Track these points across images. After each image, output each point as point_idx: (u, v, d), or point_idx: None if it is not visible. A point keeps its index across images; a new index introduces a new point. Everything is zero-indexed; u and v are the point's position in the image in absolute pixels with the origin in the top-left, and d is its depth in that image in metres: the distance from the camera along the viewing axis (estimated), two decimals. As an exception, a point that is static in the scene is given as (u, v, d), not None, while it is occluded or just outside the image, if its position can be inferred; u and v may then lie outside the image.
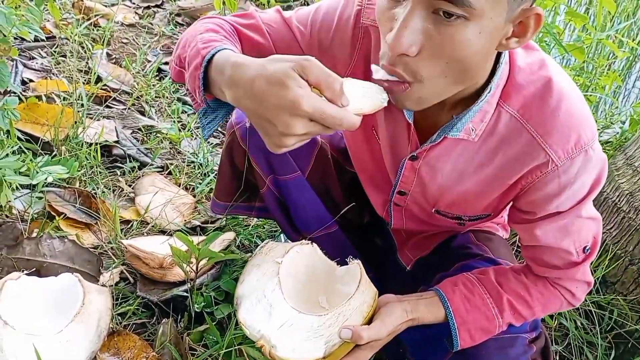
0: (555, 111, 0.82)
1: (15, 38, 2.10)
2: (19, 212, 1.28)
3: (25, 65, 1.88)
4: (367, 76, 0.92)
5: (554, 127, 0.82)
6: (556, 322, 1.36)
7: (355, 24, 0.91)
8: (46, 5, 2.29)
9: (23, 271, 1.14)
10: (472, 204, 0.96)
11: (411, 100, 0.77)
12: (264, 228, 1.46)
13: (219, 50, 0.77)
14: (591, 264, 1.00)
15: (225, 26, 0.92)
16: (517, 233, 0.97)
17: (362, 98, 0.73)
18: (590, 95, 1.77)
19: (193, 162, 1.65)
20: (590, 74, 1.94)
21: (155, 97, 2.00)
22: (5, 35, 1.18)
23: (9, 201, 1.27)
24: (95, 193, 1.40)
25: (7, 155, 1.28)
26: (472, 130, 0.85)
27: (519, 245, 1.11)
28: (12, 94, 1.69)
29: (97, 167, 1.48)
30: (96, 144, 1.52)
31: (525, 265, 1.00)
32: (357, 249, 1.27)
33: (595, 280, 1.38)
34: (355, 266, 0.95)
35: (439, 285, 0.97)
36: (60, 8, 2.44)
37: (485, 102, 0.82)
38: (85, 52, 2.15)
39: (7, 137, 1.36)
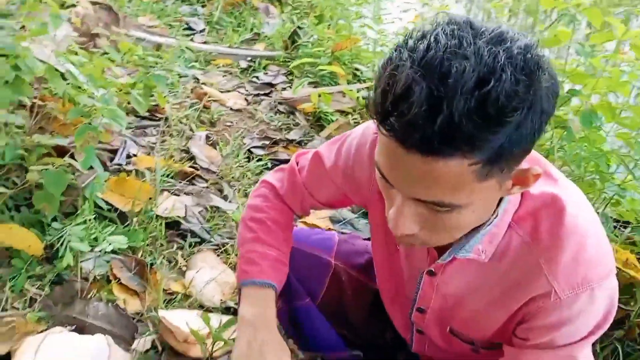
0: (564, 243, 0.80)
1: (136, 116, 2.47)
2: (82, 272, 1.47)
3: (134, 142, 2.19)
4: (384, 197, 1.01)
5: (560, 258, 0.80)
6: None
7: (371, 150, 0.97)
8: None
9: (66, 327, 1.30)
10: (482, 326, 0.95)
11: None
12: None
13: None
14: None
15: (269, 219, 1.11)
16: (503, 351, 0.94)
17: None
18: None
19: (249, 244, 1.76)
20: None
21: (238, 177, 2.19)
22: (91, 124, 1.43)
23: (82, 260, 1.48)
24: (153, 263, 1.56)
25: (84, 222, 1.50)
26: (482, 251, 0.85)
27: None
28: (116, 165, 1.98)
29: (160, 239, 1.66)
30: (166, 218, 1.71)
31: None
32: None
33: None
34: None
35: None
36: (182, 92, 2.81)
37: (492, 225, 0.83)
38: (190, 132, 2.44)
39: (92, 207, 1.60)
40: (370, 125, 1.01)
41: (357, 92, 2.69)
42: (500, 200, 0.81)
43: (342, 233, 1.42)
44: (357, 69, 3.30)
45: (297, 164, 1.15)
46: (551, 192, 0.83)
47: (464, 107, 0.60)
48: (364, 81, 3.14)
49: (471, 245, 0.85)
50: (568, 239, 0.80)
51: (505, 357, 0.93)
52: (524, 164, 0.73)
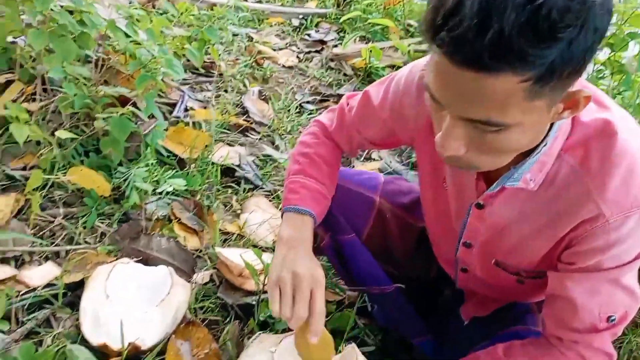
0: (615, 167, 0.81)
1: (192, 72, 2.56)
2: (148, 213, 1.59)
3: (191, 96, 2.28)
4: (432, 133, 0.98)
5: (610, 182, 0.81)
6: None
7: (419, 86, 0.99)
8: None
9: (133, 258, 1.42)
10: (528, 255, 0.97)
11: (472, 171, 0.87)
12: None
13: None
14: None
15: (316, 154, 1.15)
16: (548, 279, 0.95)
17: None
18: None
19: (299, 190, 1.83)
20: None
21: (289, 130, 2.25)
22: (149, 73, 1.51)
23: (145, 202, 1.60)
24: (210, 206, 1.66)
25: (145, 165, 1.61)
26: (531, 180, 0.87)
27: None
28: (174, 117, 2.08)
29: (216, 185, 1.75)
30: (221, 165, 1.80)
31: (536, 339, 0.97)
32: (418, 305, 1.29)
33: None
34: (350, 351, 1.02)
35: None
36: (236, 51, 2.88)
37: (541, 154, 0.84)
38: (244, 88, 2.51)
39: (155, 152, 1.70)
40: (418, 63, 1.02)
41: (409, 46, 2.67)
42: (550, 129, 0.82)
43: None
44: (409, 25, 3.26)
45: (347, 104, 1.18)
46: (603, 118, 0.82)
47: (514, 21, 0.60)
48: (417, 36, 3.11)
49: (520, 174, 0.86)
50: (619, 162, 0.80)
51: (549, 283, 0.94)
52: (575, 86, 0.72)
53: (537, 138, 0.79)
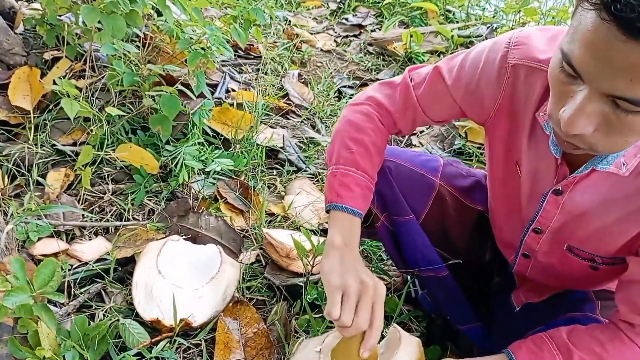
0: None
1: (235, 54, 2.55)
2: (194, 192, 1.59)
3: (232, 77, 2.27)
4: (510, 114, 0.97)
5: None
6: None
7: (501, 64, 0.94)
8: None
9: (182, 236, 1.42)
10: (608, 242, 0.92)
11: (585, 152, 0.78)
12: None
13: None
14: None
15: (370, 136, 1.09)
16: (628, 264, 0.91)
17: None
18: None
19: (342, 174, 1.82)
20: None
21: (329, 114, 2.23)
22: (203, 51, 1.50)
23: (191, 181, 1.60)
24: (254, 186, 1.66)
25: (193, 144, 1.61)
26: (624, 164, 0.82)
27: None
28: (216, 98, 2.08)
29: (260, 166, 1.75)
30: (265, 146, 1.79)
31: (602, 324, 0.94)
32: (469, 289, 1.26)
33: None
34: (393, 331, 1.01)
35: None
36: (274, 34, 2.87)
37: None
38: (282, 71, 2.50)
39: (201, 131, 1.70)
40: (499, 40, 0.96)
41: (452, 31, 2.62)
42: None
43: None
44: (448, 11, 3.20)
45: (411, 79, 1.10)
46: None
47: None
48: (457, 22, 3.05)
49: (614, 157, 0.81)
50: None
51: (630, 268, 0.90)
52: None
53: None
